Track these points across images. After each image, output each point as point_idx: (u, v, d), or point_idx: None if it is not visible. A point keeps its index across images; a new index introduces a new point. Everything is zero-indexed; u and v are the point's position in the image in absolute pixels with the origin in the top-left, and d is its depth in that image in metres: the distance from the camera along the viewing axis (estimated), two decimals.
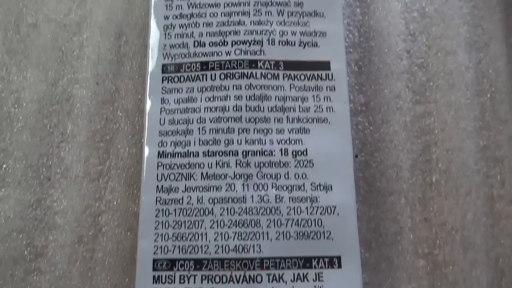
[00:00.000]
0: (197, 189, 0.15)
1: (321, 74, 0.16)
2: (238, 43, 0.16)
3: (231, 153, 0.15)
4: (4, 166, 0.18)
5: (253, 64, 0.16)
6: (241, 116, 0.16)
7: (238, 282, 0.14)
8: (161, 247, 0.15)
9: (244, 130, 0.16)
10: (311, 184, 0.15)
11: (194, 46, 0.17)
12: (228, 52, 0.16)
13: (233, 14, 0.17)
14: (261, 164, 0.15)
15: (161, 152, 0.16)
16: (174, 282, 0.14)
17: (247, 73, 0.16)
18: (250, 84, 0.16)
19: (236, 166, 0.15)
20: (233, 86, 0.16)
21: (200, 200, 0.15)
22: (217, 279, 0.14)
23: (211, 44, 0.17)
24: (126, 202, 0.17)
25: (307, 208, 0.15)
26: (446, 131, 0.18)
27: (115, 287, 0.16)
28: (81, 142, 0.18)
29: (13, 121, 0.18)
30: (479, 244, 0.17)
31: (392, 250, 0.17)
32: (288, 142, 0.16)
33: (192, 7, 0.17)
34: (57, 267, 0.16)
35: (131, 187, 0.17)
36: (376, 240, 0.17)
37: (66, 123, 0.18)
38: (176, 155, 0.15)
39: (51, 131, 0.18)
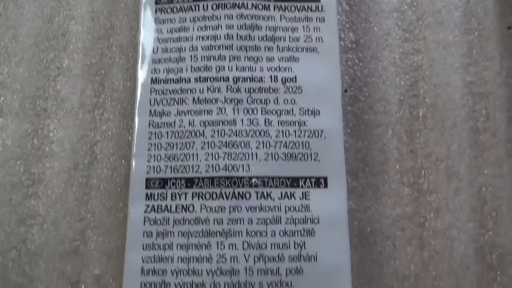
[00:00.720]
0: (189, 113, 0.16)
1: (311, 6, 0.17)
2: None
3: (222, 79, 0.16)
4: (1, 98, 0.18)
5: None
6: (232, 44, 0.16)
7: (227, 198, 0.15)
8: (154, 167, 0.15)
9: (235, 58, 0.16)
10: (299, 109, 0.16)
11: None
12: None
13: None
14: (251, 90, 0.16)
15: (154, 79, 0.16)
16: (166, 199, 0.15)
17: (239, 3, 0.16)
18: (241, 14, 0.16)
19: (226, 91, 0.16)
20: (224, 16, 0.16)
21: (192, 123, 0.15)
22: (207, 196, 0.15)
23: None
24: (120, 132, 0.18)
25: (295, 131, 0.15)
26: (434, 67, 0.18)
27: (110, 210, 0.17)
28: (76, 75, 0.18)
29: (10, 56, 0.19)
30: (463, 173, 0.17)
31: (378, 179, 0.17)
32: (278, 69, 0.16)
33: None
34: (53, 192, 0.17)
35: (125, 118, 0.18)
36: (363, 170, 0.17)
37: (62, 57, 0.18)
38: (169, 81, 0.16)
39: (47, 65, 0.18)
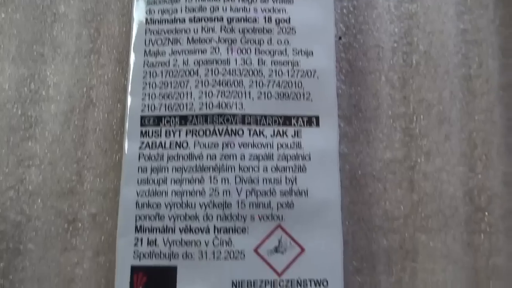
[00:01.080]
0: (183, 52, 0.16)
1: None
2: None
3: (216, 19, 0.16)
4: None
5: None
6: None
7: (220, 135, 0.15)
8: (148, 105, 0.15)
9: None
10: (293, 50, 0.16)
11: None
12: None
13: None
14: (245, 30, 0.16)
15: (149, 19, 0.16)
16: (161, 136, 0.15)
17: None
18: None
19: (220, 31, 0.16)
20: None
21: (186, 62, 0.16)
22: (201, 133, 0.15)
23: None
24: (116, 76, 0.18)
25: (288, 71, 0.16)
26: (428, 15, 0.18)
27: (106, 151, 0.17)
28: (72, 21, 0.18)
29: (7, 2, 0.19)
30: (454, 119, 0.17)
31: (371, 124, 0.17)
32: (272, 10, 0.16)
33: None
34: (50, 134, 0.17)
35: (121, 63, 0.18)
36: (355, 115, 0.18)
37: (58, 3, 0.18)
38: (164, 21, 0.16)
39: (43, 11, 0.18)
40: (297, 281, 0.14)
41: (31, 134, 0.17)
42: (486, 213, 0.17)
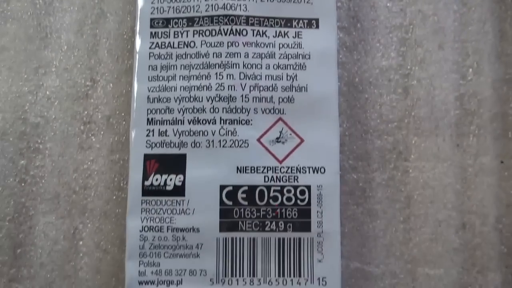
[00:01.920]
0: None
1: None
2: None
3: None
4: None
5: None
6: None
7: (225, 34, 0.16)
8: (158, 8, 0.16)
9: None
10: None
11: None
12: None
13: None
14: None
15: None
16: (169, 37, 0.16)
17: None
18: None
19: None
20: None
21: None
22: (207, 33, 0.16)
23: None
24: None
25: None
26: None
27: (117, 58, 0.18)
28: None
29: None
30: (448, 30, 0.18)
31: (368, 35, 0.18)
32: None
33: None
34: (65, 42, 0.18)
35: None
36: (354, 26, 0.18)
37: None
38: None
39: None
40: (297, 168, 0.15)
41: (47, 43, 0.18)
42: (475, 117, 0.18)
